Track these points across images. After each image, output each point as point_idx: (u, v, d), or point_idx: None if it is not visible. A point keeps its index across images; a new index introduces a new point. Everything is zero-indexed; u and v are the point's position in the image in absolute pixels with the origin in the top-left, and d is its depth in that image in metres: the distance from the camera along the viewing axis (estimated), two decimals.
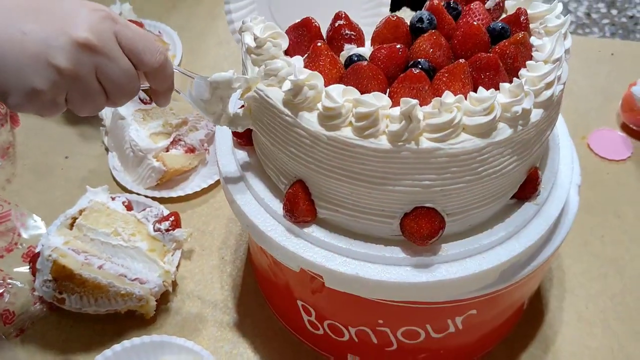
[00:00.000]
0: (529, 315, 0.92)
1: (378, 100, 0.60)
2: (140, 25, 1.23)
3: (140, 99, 1.08)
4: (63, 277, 0.89)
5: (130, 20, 1.17)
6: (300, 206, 0.69)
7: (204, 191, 1.07)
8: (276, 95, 0.65)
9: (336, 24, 0.69)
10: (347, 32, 0.69)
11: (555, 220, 0.74)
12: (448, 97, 0.60)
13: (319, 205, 0.69)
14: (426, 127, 0.61)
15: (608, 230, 1.04)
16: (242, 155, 0.77)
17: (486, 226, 0.71)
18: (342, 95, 0.61)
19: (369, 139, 0.61)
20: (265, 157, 0.72)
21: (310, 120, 0.63)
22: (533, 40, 0.69)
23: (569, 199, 0.77)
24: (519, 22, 0.70)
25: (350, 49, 0.68)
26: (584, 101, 1.23)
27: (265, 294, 0.94)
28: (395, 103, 0.62)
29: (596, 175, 1.12)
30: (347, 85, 0.63)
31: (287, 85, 0.63)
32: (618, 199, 1.08)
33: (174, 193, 1.05)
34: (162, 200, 1.04)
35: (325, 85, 0.63)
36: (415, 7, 0.76)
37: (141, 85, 0.68)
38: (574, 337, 0.90)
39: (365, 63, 0.63)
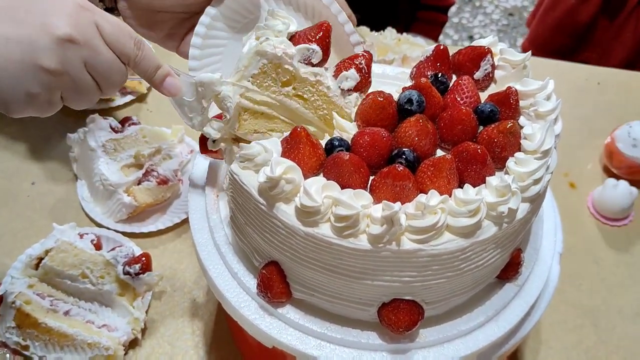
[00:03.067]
0: None
1: (359, 200, 0.57)
2: None
3: (111, 127, 1.03)
4: (27, 325, 0.86)
5: None
6: (275, 288, 0.66)
7: (177, 226, 1.03)
8: (252, 182, 0.62)
9: None
10: None
11: (535, 300, 0.72)
12: (433, 198, 0.58)
13: (293, 287, 0.66)
14: (408, 228, 0.58)
15: (586, 278, 1.03)
16: (216, 222, 0.74)
17: (466, 310, 0.69)
18: (321, 192, 0.58)
19: (348, 238, 0.58)
20: (240, 232, 0.69)
21: (286, 212, 0.60)
22: (522, 121, 0.67)
23: (550, 273, 0.76)
24: (509, 102, 0.67)
25: None
26: (568, 135, 1.20)
27: (236, 344, 0.92)
28: (377, 200, 0.59)
29: (577, 218, 1.10)
30: (327, 177, 0.60)
31: (262, 176, 0.60)
32: (598, 243, 1.07)
33: (145, 228, 1.01)
34: (132, 235, 1.01)
35: (304, 173, 0.60)
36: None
37: (130, 77, 0.67)
38: None
39: (347, 156, 0.59)
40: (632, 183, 1.09)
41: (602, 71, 1.35)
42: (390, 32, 1.23)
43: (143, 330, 0.91)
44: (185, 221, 1.03)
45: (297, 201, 0.58)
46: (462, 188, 0.60)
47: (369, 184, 0.61)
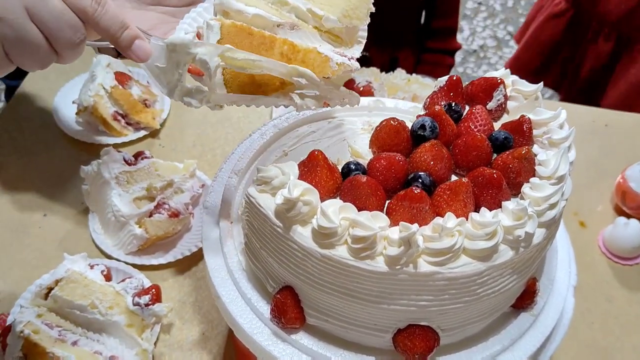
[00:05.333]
0: None
1: (376, 221, 0.58)
2: (128, 77, 1.20)
3: (124, 159, 1.04)
4: (34, 354, 0.85)
5: (117, 73, 1.14)
6: (289, 314, 0.66)
7: (187, 259, 1.03)
8: (268, 204, 0.62)
9: None
10: None
11: (551, 331, 0.72)
12: (449, 220, 0.58)
13: (308, 313, 0.66)
14: (425, 250, 0.58)
15: (598, 316, 1.02)
16: (230, 248, 0.74)
17: (481, 338, 0.68)
18: (338, 213, 0.58)
19: (365, 260, 0.58)
20: (254, 257, 0.69)
21: (303, 235, 0.60)
22: (536, 149, 0.67)
23: (565, 305, 0.75)
24: (522, 130, 0.68)
25: None
26: (577, 175, 1.21)
27: None
28: (394, 222, 0.59)
29: (588, 256, 1.10)
30: (343, 200, 0.60)
31: (280, 198, 0.60)
32: (609, 282, 1.07)
33: (155, 260, 1.01)
34: (142, 268, 1.00)
35: (321, 196, 0.61)
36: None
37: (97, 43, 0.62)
38: None
39: (364, 179, 0.60)
40: None
41: (609, 113, 1.36)
42: (400, 72, 1.26)
43: None
44: (196, 255, 1.03)
45: (315, 223, 0.59)
46: (478, 212, 0.61)
47: (385, 207, 0.61)
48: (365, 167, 0.64)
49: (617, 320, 1.02)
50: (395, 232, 0.57)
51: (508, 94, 0.73)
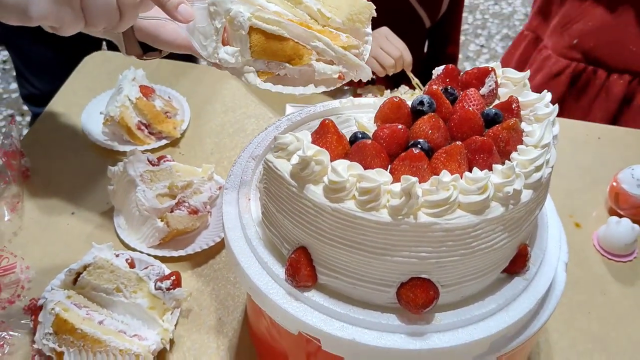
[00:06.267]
0: None
1: (380, 176, 0.65)
2: (152, 90, 1.30)
3: (148, 160, 1.12)
4: (64, 331, 0.91)
5: (142, 86, 1.24)
6: (302, 271, 0.72)
7: (205, 252, 1.10)
8: (284, 167, 0.70)
9: None
10: None
11: (543, 295, 0.77)
12: (445, 176, 0.65)
13: (319, 271, 0.73)
14: (424, 203, 0.65)
15: (594, 307, 1.07)
16: (248, 221, 0.81)
17: (478, 298, 0.74)
18: (347, 171, 0.66)
19: (370, 211, 0.65)
20: (271, 223, 0.76)
21: (315, 192, 0.67)
22: (524, 126, 0.75)
23: (556, 276, 0.81)
24: (511, 108, 0.76)
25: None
26: (572, 181, 1.29)
27: (260, 357, 0.96)
28: (396, 179, 0.66)
29: (583, 254, 1.16)
30: (351, 161, 0.68)
31: (295, 159, 0.68)
32: (604, 277, 1.12)
33: (175, 253, 1.08)
34: (163, 259, 1.07)
35: (331, 160, 0.68)
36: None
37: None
38: None
39: (369, 141, 0.68)
40: (635, 221, 1.15)
41: (602, 127, 1.44)
42: (403, 88, 1.36)
43: (171, 345, 0.96)
44: (213, 248, 1.10)
45: (326, 180, 0.66)
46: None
47: (388, 169, 0.69)
48: (371, 136, 0.72)
49: (612, 311, 1.07)
50: (397, 187, 0.65)
51: (499, 82, 0.82)
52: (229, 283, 1.07)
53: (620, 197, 1.19)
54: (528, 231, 0.76)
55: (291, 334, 0.78)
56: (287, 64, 0.75)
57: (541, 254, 0.80)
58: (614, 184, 1.22)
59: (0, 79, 3.18)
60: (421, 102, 0.73)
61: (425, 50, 1.80)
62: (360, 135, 0.71)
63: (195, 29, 0.74)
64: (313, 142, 0.70)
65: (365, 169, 0.67)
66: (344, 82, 0.79)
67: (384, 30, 1.44)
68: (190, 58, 1.84)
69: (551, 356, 1.00)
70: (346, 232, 0.67)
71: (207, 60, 0.77)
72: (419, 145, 0.69)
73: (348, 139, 0.72)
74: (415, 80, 1.41)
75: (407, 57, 1.42)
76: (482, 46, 3.56)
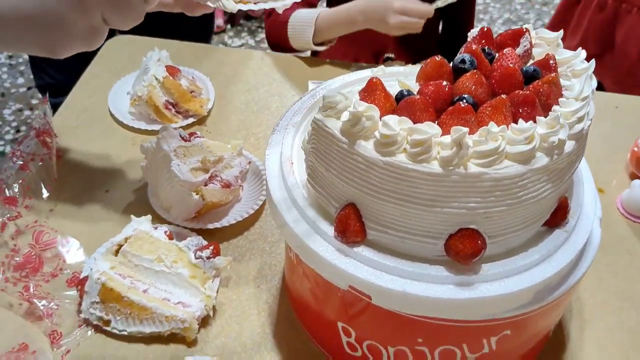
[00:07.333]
0: (553, 345, 0.97)
1: (431, 129, 0.68)
2: (178, 70, 1.32)
3: (181, 136, 1.14)
4: (110, 299, 0.94)
5: (168, 66, 1.26)
6: (352, 227, 0.74)
7: (239, 224, 1.12)
8: (334, 125, 0.72)
9: None
10: None
11: (582, 247, 0.80)
12: (493, 127, 0.68)
13: (368, 226, 0.75)
14: (473, 154, 0.67)
15: (621, 268, 1.10)
16: (292, 183, 0.83)
17: (522, 250, 0.77)
18: (397, 124, 0.68)
19: (422, 163, 0.67)
20: (317, 184, 0.79)
21: (367, 147, 0.70)
22: (562, 81, 0.77)
23: (593, 229, 0.84)
24: (549, 65, 0.78)
25: None
26: (593, 150, 1.31)
27: (301, 320, 0.98)
28: (445, 132, 0.69)
29: (608, 218, 1.18)
30: (400, 116, 0.70)
31: (345, 116, 0.70)
32: (630, 239, 1.15)
33: (211, 225, 1.10)
34: (199, 232, 1.09)
35: (380, 117, 0.71)
36: None
37: None
38: None
39: (417, 97, 0.70)
40: None
41: (619, 97, 1.47)
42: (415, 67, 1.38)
43: (213, 312, 0.98)
44: (247, 220, 1.13)
45: (377, 134, 0.68)
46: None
47: (436, 123, 0.71)
48: (416, 94, 0.74)
49: (639, 270, 1.09)
50: (447, 139, 0.67)
51: (533, 42, 0.84)
52: (264, 253, 1.09)
53: None
54: (568, 184, 0.78)
55: (337, 295, 0.81)
56: None
57: (579, 208, 0.82)
58: (635, 149, 1.24)
59: (7, 74, 3.20)
60: (463, 60, 0.75)
61: (440, 31, 1.83)
62: (406, 93, 0.73)
63: None
64: (361, 99, 0.73)
65: (414, 123, 0.69)
66: None
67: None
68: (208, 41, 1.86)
69: (583, 314, 1.02)
70: (397, 185, 0.69)
71: None
72: (464, 100, 0.71)
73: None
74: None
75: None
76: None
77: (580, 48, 0.80)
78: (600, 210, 0.88)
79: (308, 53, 1.74)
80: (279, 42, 1.59)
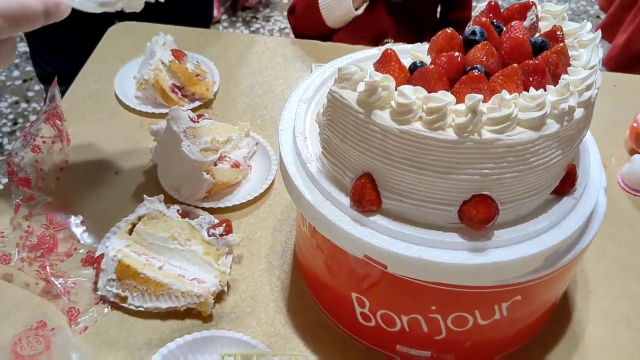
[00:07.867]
0: (559, 314, 1.00)
1: (446, 97, 0.69)
2: (183, 54, 1.33)
3: (189, 117, 1.16)
4: (127, 276, 0.95)
5: (173, 50, 1.27)
6: (367, 196, 0.76)
7: (249, 203, 1.14)
8: (350, 96, 0.74)
9: None
10: None
11: (590, 214, 0.82)
12: (506, 94, 0.70)
13: (384, 195, 0.77)
14: (487, 121, 0.69)
15: (624, 239, 1.12)
16: (307, 157, 0.85)
17: (532, 216, 0.79)
18: (413, 94, 0.70)
19: (437, 131, 0.69)
20: (332, 155, 0.80)
21: (383, 116, 0.71)
22: (569, 52, 0.79)
23: (599, 198, 0.86)
24: (556, 36, 0.80)
25: None
26: (593, 127, 1.33)
27: (314, 294, 1.00)
28: (459, 100, 0.71)
29: (609, 192, 1.20)
30: (415, 86, 0.72)
31: (361, 86, 0.72)
32: (631, 212, 1.18)
33: (221, 204, 1.12)
34: (210, 211, 1.11)
35: (395, 87, 0.72)
36: None
37: None
38: (601, 333, 0.98)
39: (431, 66, 0.72)
40: None
41: (616, 76, 1.50)
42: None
43: (227, 288, 1.00)
44: (257, 198, 1.14)
45: (393, 104, 0.70)
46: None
47: (450, 92, 0.73)
48: (428, 65, 0.76)
49: None
50: (462, 106, 0.69)
51: (539, 16, 0.86)
52: (275, 230, 1.11)
53: None
54: (576, 152, 0.81)
55: (351, 266, 0.83)
56: None
57: (585, 177, 0.85)
58: (635, 124, 1.27)
59: None
60: (473, 32, 0.77)
61: (438, 15, 1.85)
62: (419, 64, 0.75)
63: None
64: (376, 70, 0.74)
65: (429, 92, 0.71)
66: None
67: None
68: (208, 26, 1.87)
69: (588, 284, 1.05)
70: (412, 153, 0.71)
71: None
72: (476, 70, 0.73)
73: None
74: None
75: None
76: None
77: (585, 20, 0.82)
78: (605, 180, 0.91)
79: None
80: (310, 27, 1.60)
